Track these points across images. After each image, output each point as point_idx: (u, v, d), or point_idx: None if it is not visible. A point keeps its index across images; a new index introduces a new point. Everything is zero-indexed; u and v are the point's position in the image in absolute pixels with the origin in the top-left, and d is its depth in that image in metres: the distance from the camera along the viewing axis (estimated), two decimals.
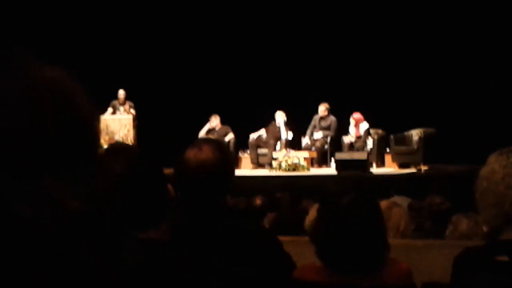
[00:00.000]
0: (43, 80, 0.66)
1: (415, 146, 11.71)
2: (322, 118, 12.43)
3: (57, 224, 0.62)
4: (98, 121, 0.72)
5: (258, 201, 5.97)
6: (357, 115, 12.05)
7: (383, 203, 3.89)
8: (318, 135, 12.35)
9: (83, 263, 0.63)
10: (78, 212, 0.63)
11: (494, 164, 1.89)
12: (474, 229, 4.11)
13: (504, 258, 1.79)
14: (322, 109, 12.38)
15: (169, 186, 1.76)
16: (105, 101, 12.64)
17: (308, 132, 12.52)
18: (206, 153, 2.19)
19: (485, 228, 4.42)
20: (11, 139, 0.62)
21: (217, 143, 2.36)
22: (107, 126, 12.13)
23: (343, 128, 12.27)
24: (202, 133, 12.69)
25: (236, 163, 12.27)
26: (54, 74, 0.68)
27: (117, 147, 1.94)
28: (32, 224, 0.61)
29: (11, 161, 0.62)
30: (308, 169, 11.72)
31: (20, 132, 0.63)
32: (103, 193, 0.67)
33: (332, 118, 12.41)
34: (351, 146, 11.98)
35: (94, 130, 0.69)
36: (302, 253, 2.54)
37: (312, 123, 12.52)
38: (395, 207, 4.19)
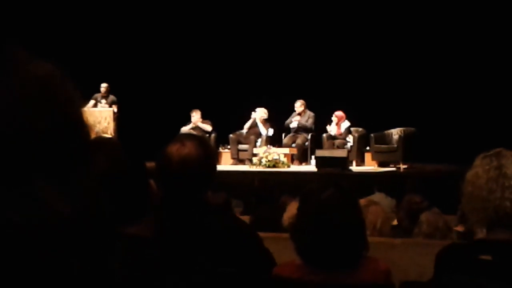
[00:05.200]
0: (33, 79, 0.63)
1: (395, 145, 11.78)
2: (299, 115, 12.49)
3: (46, 230, 0.60)
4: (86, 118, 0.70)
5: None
6: (339, 113, 12.09)
7: (361, 201, 3.91)
8: (294, 124, 12.43)
9: (72, 270, 0.61)
10: (68, 216, 0.61)
11: (478, 168, 1.89)
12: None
13: (487, 257, 1.81)
14: (298, 105, 12.47)
15: (151, 181, 1.76)
16: (88, 94, 12.56)
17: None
18: (188, 148, 2.18)
19: (459, 228, 4.47)
20: (2, 143, 0.60)
21: (200, 139, 2.36)
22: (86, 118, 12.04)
23: (322, 126, 12.30)
24: (185, 130, 12.63)
25: (217, 158, 12.26)
26: (44, 71, 0.65)
27: (100, 141, 1.93)
28: (21, 230, 0.59)
29: (1, 165, 0.60)
30: (288, 166, 11.76)
31: (9, 134, 0.60)
32: (94, 193, 0.66)
33: (310, 113, 12.48)
34: (331, 138, 12.02)
35: (85, 128, 0.67)
36: (281, 250, 2.55)
37: (290, 119, 12.58)
38: (372, 205, 4.23)
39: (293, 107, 12.54)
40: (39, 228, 0.60)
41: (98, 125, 12.37)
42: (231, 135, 12.66)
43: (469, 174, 1.92)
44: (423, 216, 4.38)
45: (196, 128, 12.62)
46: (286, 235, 3.01)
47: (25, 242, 0.59)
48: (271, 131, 12.59)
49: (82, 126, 0.67)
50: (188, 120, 12.78)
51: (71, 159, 0.64)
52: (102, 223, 0.65)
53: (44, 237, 0.60)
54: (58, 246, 0.61)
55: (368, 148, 12.12)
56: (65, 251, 0.61)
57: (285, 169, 11.53)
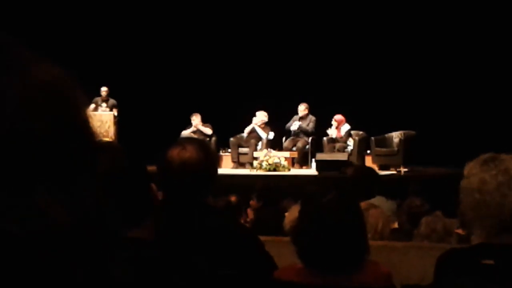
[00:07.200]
0: (40, 82, 0.61)
1: (395, 148, 11.78)
2: (302, 118, 12.49)
3: (46, 239, 0.58)
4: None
5: (233, 199, 5.98)
6: (339, 117, 12.10)
7: (361, 205, 3.91)
8: (295, 126, 12.43)
9: (73, 279, 0.60)
10: (69, 224, 0.59)
11: (484, 174, 1.85)
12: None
13: (490, 261, 1.79)
14: (302, 108, 12.45)
15: (153, 185, 1.76)
16: (88, 98, 12.54)
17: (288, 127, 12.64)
18: (189, 152, 2.19)
19: (460, 231, 4.46)
20: (2, 148, 0.58)
21: (200, 142, 2.37)
22: None
23: (323, 129, 12.30)
24: (186, 133, 12.64)
25: (217, 161, 12.24)
26: (51, 75, 0.62)
27: (100, 144, 1.93)
28: (20, 240, 0.57)
29: (1, 172, 0.58)
30: (288, 169, 11.75)
31: (13, 140, 0.58)
32: (97, 199, 0.64)
33: (311, 117, 12.48)
34: (332, 141, 12.02)
35: (90, 134, 0.65)
36: (282, 253, 2.55)
37: (291, 122, 12.58)
38: (372, 208, 4.22)
39: (294, 110, 12.53)
40: (38, 238, 0.58)
41: (98, 129, 12.38)
42: (231, 139, 12.65)
43: (472, 182, 1.86)
44: (423, 220, 4.39)
45: (197, 131, 12.63)
46: (287, 238, 3.01)
47: (24, 253, 0.57)
48: (271, 135, 12.58)
49: (88, 132, 0.65)
50: (188, 124, 12.79)
51: (74, 165, 0.62)
52: (104, 229, 0.64)
53: (43, 247, 0.59)
54: (58, 255, 0.59)
55: (368, 151, 12.12)
56: (66, 260, 0.60)
57: (286, 172, 11.53)
